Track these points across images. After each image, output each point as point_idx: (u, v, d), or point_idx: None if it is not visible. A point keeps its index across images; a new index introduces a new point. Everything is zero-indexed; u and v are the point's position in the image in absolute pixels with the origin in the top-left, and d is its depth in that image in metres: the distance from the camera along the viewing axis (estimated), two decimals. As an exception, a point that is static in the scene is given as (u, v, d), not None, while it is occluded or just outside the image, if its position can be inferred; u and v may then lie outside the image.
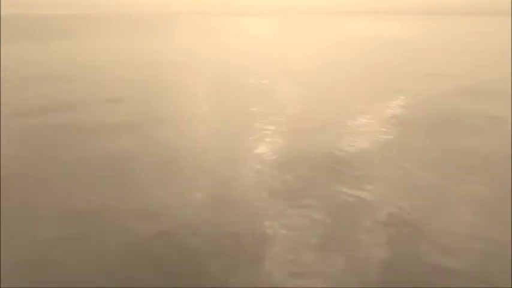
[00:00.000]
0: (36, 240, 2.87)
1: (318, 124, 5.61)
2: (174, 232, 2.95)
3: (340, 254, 2.67)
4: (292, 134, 5.20)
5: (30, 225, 3.07)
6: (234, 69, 9.91)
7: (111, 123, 5.72)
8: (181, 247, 2.77)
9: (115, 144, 4.85)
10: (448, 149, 4.63)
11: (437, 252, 2.69)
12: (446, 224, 3.03)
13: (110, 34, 18.12)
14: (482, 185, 3.70)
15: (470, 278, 2.43)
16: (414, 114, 6.13)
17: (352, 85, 8.23)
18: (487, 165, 4.14)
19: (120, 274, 2.51)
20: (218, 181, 3.80)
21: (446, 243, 2.79)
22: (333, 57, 11.87)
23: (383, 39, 15.97)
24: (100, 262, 2.62)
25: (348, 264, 2.56)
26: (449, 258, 2.62)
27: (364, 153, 4.51)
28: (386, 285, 2.37)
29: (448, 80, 8.83)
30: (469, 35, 17.94)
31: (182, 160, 4.33)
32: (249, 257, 2.65)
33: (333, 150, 4.60)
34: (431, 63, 10.93)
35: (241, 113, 6.18)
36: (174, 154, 4.50)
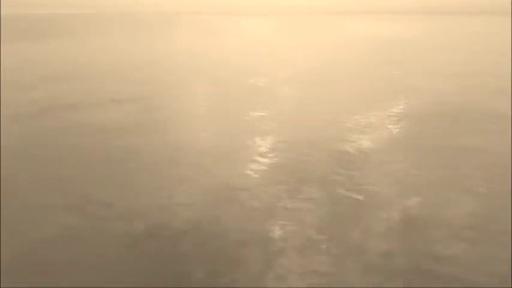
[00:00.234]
0: (36, 239, 2.87)
1: (318, 124, 5.61)
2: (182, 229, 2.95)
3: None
4: (292, 134, 5.20)
5: (30, 226, 3.06)
6: (234, 69, 9.91)
7: (111, 123, 5.72)
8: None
9: (115, 144, 4.85)
10: (450, 148, 4.63)
11: (439, 244, 2.69)
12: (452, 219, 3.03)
13: (110, 34, 18.12)
14: (488, 181, 3.70)
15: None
16: (415, 113, 6.13)
17: (352, 85, 8.23)
18: (491, 163, 4.14)
19: (117, 272, 2.51)
20: (218, 180, 3.80)
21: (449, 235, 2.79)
22: (333, 57, 11.87)
23: (383, 39, 15.96)
24: (98, 260, 2.62)
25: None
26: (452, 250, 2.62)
27: (364, 153, 4.50)
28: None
29: (449, 79, 8.83)
30: (469, 34, 17.94)
31: (182, 160, 4.32)
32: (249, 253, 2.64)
33: (333, 149, 4.60)
34: (431, 63, 10.93)
35: (241, 113, 6.17)
36: (174, 154, 4.50)
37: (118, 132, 5.31)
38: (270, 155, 4.46)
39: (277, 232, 2.94)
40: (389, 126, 5.50)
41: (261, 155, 4.47)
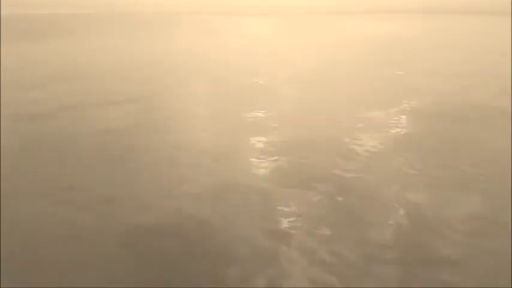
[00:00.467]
0: (36, 239, 2.87)
1: (318, 124, 5.61)
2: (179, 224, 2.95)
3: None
4: (292, 133, 5.20)
5: (30, 225, 3.07)
6: (234, 69, 9.91)
7: (111, 123, 5.72)
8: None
9: (115, 143, 4.85)
10: (451, 147, 4.63)
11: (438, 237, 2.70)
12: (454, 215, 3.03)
13: (110, 34, 18.11)
14: (488, 181, 3.70)
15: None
16: (415, 112, 6.13)
17: (352, 85, 8.23)
18: (491, 163, 4.14)
19: (117, 268, 2.51)
20: (218, 179, 3.80)
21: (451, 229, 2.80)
22: (333, 57, 11.87)
23: (383, 39, 15.96)
24: (97, 256, 2.62)
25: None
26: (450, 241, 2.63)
27: (364, 153, 4.51)
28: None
29: (449, 79, 8.83)
30: (469, 34, 17.94)
31: (182, 160, 4.33)
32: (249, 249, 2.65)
33: (334, 149, 4.60)
34: (431, 63, 10.93)
35: (242, 113, 6.18)
36: (174, 154, 4.50)
37: (118, 132, 5.32)
38: (270, 155, 4.46)
39: (279, 231, 2.94)
40: (390, 126, 5.50)
41: (262, 154, 4.48)
